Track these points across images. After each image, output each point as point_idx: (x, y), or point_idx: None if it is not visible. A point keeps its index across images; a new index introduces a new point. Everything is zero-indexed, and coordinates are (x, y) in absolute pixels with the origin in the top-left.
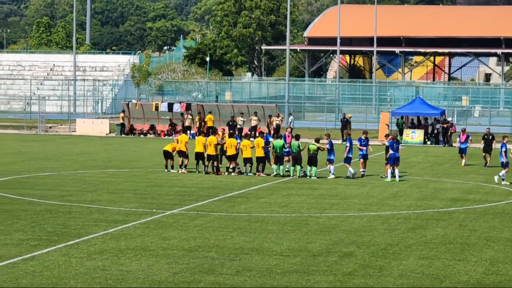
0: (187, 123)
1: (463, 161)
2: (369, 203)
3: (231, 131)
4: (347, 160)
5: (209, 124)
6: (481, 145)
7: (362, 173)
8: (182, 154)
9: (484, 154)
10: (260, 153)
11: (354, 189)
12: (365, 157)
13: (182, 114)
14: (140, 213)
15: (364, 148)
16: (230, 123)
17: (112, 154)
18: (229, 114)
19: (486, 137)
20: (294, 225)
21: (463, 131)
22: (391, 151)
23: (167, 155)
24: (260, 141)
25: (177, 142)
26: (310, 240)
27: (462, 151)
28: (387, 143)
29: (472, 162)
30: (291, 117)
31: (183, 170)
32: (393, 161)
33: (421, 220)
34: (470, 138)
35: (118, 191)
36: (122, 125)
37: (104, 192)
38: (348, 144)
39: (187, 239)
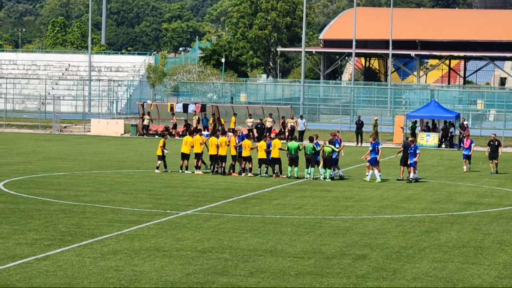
0: (195, 124)
1: (465, 167)
2: (383, 205)
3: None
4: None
5: (232, 125)
6: (487, 150)
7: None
8: (197, 155)
9: (490, 161)
10: (275, 154)
11: (368, 191)
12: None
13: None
14: (154, 213)
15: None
16: (259, 125)
17: (126, 154)
18: (244, 116)
19: (492, 143)
20: (308, 227)
21: (467, 137)
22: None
23: (185, 156)
24: (277, 143)
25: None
26: (324, 242)
27: (467, 157)
28: (370, 146)
29: (476, 168)
30: (300, 120)
31: (198, 171)
32: (374, 163)
33: (435, 223)
34: (474, 144)
35: (132, 191)
36: (146, 127)
37: (118, 193)
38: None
39: (201, 240)
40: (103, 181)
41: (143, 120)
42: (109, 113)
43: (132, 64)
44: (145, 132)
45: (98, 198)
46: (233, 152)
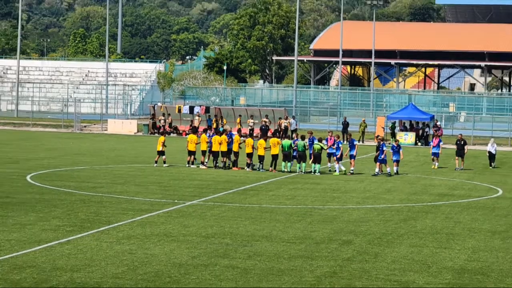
0: (195, 123)
1: (435, 163)
2: (366, 197)
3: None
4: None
5: (237, 126)
6: (453, 147)
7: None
8: (203, 152)
9: (456, 158)
10: (275, 151)
11: (353, 184)
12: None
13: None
14: (163, 203)
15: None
16: (263, 127)
17: (139, 150)
18: (243, 117)
19: (458, 142)
20: (299, 216)
21: (436, 136)
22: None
23: (191, 152)
24: (275, 141)
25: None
26: (314, 229)
27: (434, 155)
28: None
29: (443, 165)
30: (292, 120)
31: (202, 166)
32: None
33: (412, 213)
34: (442, 142)
35: (144, 183)
36: (163, 127)
37: (131, 185)
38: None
39: (205, 227)
40: (118, 174)
41: (159, 121)
42: (124, 114)
43: (145, 71)
44: (156, 131)
45: (114, 189)
46: (236, 149)
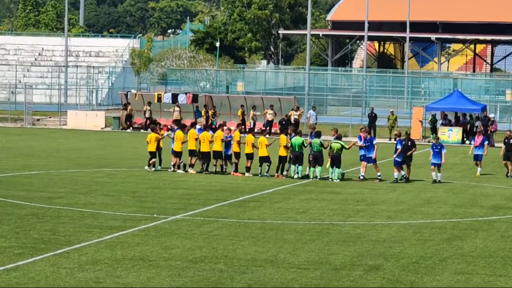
0: (175, 116)
1: (479, 169)
2: (399, 210)
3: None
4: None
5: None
6: (502, 149)
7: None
8: (191, 153)
9: (504, 162)
10: (282, 152)
11: (383, 194)
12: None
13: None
14: (139, 218)
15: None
16: (283, 122)
17: (108, 151)
18: (240, 108)
19: (506, 141)
20: (313, 234)
21: (479, 132)
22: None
23: (178, 153)
24: (283, 139)
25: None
26: (332, 251)
27: (476, 158)
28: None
29: (488, 171)
30: (312, 112)
31: (191, 171)
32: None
33: (458, 230)
34: (487, 142)
35: (115, 193)
36: (151, 120)
37: (98, 194)
38: (399, 147)
39: (192, 248)
40: (82, 181)
41: (144, 112)
42: (88, 104)
43: (114, 49)
44: (130, 125)
45: (76, 200)
46: (236, 148)
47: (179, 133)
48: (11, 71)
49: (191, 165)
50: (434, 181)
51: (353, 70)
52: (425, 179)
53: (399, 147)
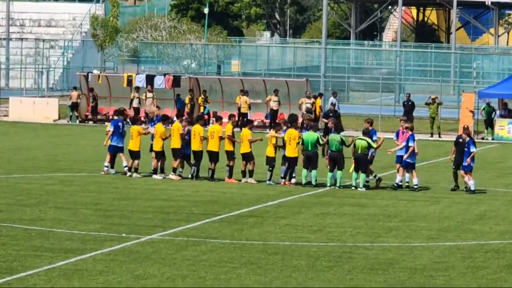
0: (135, 104)
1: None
2: (443, 228)
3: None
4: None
5: (244, 109)
6: None
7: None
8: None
9: None
10: (291, 152)
11: (422, 206)
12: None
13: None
14: (102, 238)
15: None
16: (330, 114)
17: (63, 150)
18: (236, 94)
19: None
20: (331, 260)
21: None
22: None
23: (159, 154)
24: (293, 133)
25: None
26: (356, 282)
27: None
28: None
29: None
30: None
31: (173, 176)
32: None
33: None
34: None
35: (71, 205)
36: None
37: (50, 207)
38: (411, 144)
39: (172, 278)
40: (28, 189)
41: (132, 102)
42: (37, 89)
43: (71, 16)
44: (91, 116)
45: (20, 215)
46: (228, 147)
47: (159, 126)
48: None
49: (174, 169)
50: (414, 187)
51: (383, 44)
52: (481, 189)
53: (411, 144)
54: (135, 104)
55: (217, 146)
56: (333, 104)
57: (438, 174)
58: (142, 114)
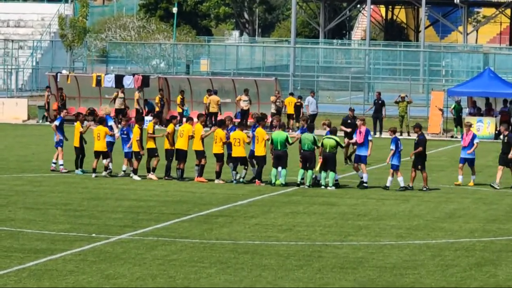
0: (117, 105)
1: (459, 177)
2: (413, 226)
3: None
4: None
5: (213, 109)
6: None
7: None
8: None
9: (499, 166)
10: (260, 150)
11: (392, 205)
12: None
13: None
14: (72, 238)
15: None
16: (349, 120)
17: (32, 150)
18: (204, 93)
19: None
20: (301, 259)
21: (468, 126)
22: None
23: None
24: (261, 133)
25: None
26: (325, 280)
27: (465, 162)
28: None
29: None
30: (311, 98)
31: (151, 176)
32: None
33: (490, 253)
34: (477, 140)
35: (41, 205)
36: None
37: (19, 207)
38: (392, 147)
39: (143, 277)
40: None
41: (115, 100)
42: (5, 90)
43: (40, 16)
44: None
45: None
46: (198, 146)
47: (136, 128)
48: None
49: (153, 169)
50: (385, 187)
51: (352, 43)
52: (447, 186)
53: (392, 147)
54: (117, 104)
55: (186, 145)
56: (314, 104)
57: (407, 172)
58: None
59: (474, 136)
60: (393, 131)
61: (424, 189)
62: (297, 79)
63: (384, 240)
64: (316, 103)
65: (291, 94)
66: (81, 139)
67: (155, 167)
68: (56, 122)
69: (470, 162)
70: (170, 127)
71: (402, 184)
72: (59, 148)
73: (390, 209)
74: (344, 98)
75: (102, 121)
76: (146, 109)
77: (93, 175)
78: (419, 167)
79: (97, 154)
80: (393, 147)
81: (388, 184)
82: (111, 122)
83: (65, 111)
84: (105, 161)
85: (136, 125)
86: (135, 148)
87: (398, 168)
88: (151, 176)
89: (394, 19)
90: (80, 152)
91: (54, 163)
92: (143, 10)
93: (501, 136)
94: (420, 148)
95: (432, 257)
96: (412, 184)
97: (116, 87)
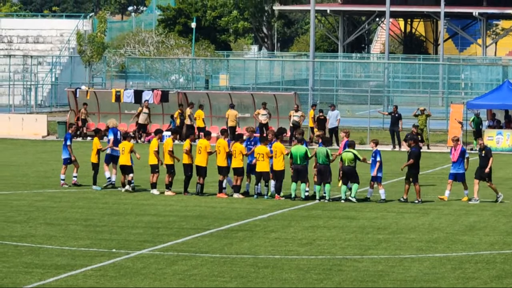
0: (141, 120)
1: (447, 192)
2: (433, 239)
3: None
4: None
5: (199, 124)
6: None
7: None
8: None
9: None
10: (279, 165)
11: (412, 218)
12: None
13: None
14: (93, 254)
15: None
16: (409, 136)
17: (52, 166)
18: (224, 108)
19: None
20: (321, 272)
21: (455, 141)
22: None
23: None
24: (279, 147)
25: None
26: None
27: (455, 177)
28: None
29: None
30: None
31: (168, 192)
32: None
33: (511, 265)
34: (467, 155)
35: (61, 221)
36: (143, 127)
37: (39, 223)
38: (378, 159)
39: None
40: (17, 206)
41: (138, 116)
42: (25, 105)
43: (59, 32)
44: (81, 132)
45: (10, 231)
46: (221, 163)
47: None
48: None
49: (168, 186)
50: (383, 200)
51: (371, 56)
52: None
53: (379, 159)
54: (142, 120)
55: (205, 162)
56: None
57: (427, 185)
58: (152, 129)
59: (463, 151)
60: (376, 143)
61: (417, 201)
62: (316, 93)
63: (404, 253)
64: (337, 116)
65: (314, 105)
66: (99, 154)
67: (171, 182)
68: (69, 142)
69: (460, 177)
70: (187, 144)
71: (383, 197)
72: (66, 165)
73: (409, 222)
74: (363, 112)
75: (126, 136)
76: (171, 124)
77: (123, 189)
78: (411, 179)
79: (122, 169)
80: (379, 158)
81: (368, 195)
82: (111, 136)
83: (74, 127)
84: (129, 176)
85: (155, 138)
86: (153, 161)
87: (381, 181)
88: (168, 193)
89: (413, 32)
90: (97, 167)
91: (63, 179)
92: (162, 25)
93: None
94: (412, 161)
95: (453, 270)
96: (406, 196)
97: (135, 103)
